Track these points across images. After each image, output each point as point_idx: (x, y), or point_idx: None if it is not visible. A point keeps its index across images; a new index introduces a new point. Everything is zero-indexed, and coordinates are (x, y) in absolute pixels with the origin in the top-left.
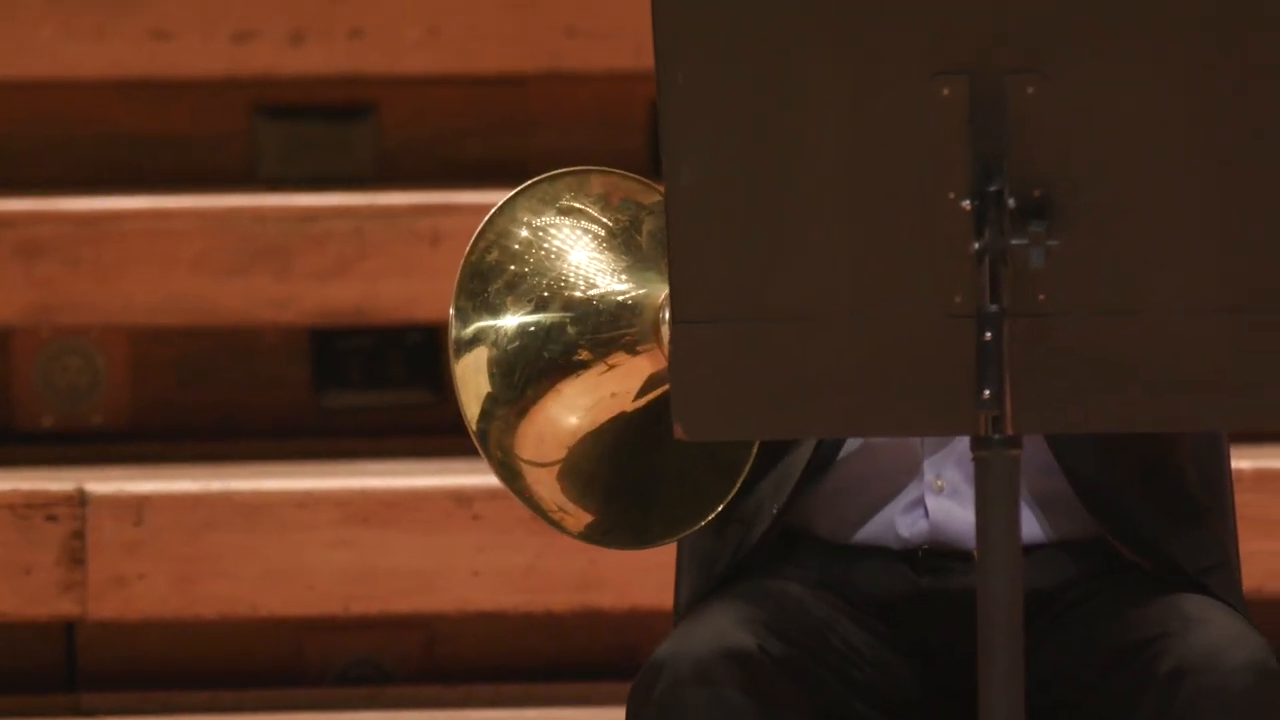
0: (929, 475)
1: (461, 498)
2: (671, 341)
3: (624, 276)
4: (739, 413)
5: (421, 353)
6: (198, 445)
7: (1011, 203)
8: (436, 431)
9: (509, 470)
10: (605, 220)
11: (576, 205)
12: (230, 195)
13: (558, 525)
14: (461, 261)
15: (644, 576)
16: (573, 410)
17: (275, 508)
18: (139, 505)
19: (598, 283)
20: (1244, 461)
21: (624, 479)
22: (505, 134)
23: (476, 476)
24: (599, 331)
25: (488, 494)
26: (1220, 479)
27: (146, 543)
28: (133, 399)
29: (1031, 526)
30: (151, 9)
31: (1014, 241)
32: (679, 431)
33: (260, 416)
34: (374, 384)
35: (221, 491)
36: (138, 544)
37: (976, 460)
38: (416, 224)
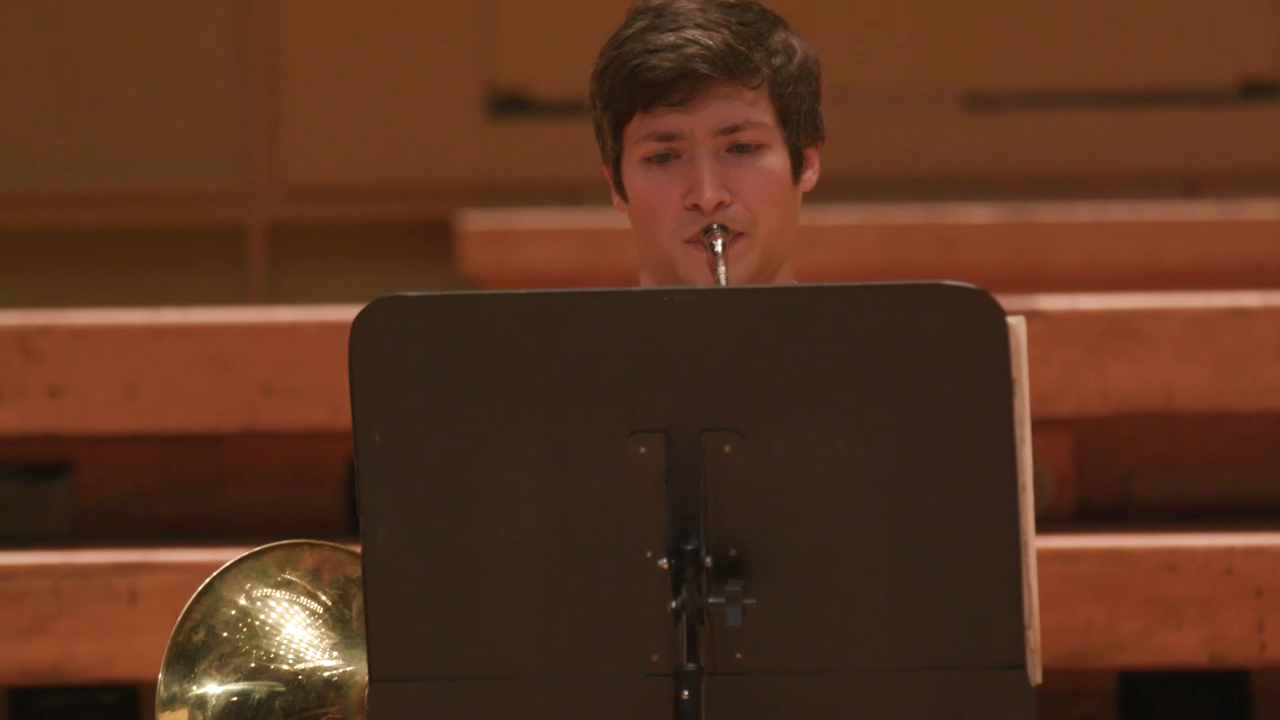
0: None
1: None
2: (369, 700)
3: (333, 653)
4: None
5: (118, 711)
6: None
7: (709, 561)
8: None
9: None
10: (313, 599)
11: (285, 581)
12: None
13: None
14: (168, 642)
15: None
16: None
17: None
18: None
19: (306, 659)
20: None
21: None
22: (201, 492)
23: None
24: (306, 708)
25: None
26: None
27: None
28: None
29: None
30: None
31: (711, 600)
32: None
33: None
34: None
35: None
36: None
37: None
38: (113, 583)
